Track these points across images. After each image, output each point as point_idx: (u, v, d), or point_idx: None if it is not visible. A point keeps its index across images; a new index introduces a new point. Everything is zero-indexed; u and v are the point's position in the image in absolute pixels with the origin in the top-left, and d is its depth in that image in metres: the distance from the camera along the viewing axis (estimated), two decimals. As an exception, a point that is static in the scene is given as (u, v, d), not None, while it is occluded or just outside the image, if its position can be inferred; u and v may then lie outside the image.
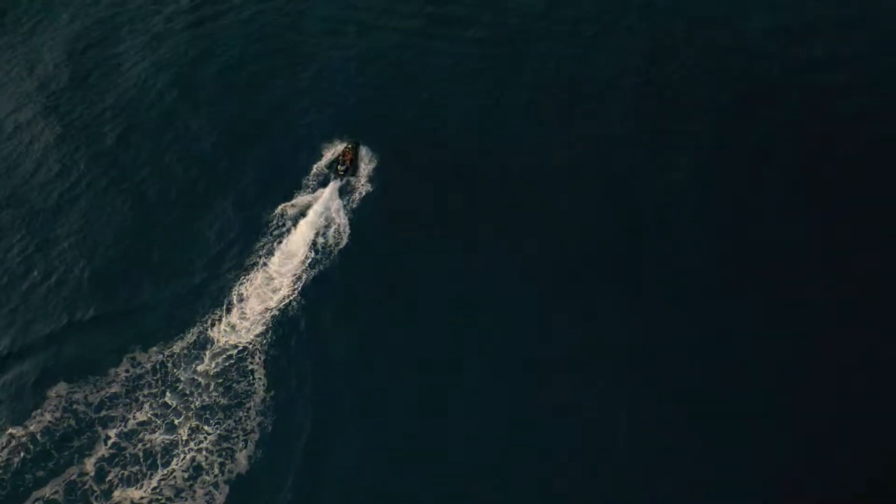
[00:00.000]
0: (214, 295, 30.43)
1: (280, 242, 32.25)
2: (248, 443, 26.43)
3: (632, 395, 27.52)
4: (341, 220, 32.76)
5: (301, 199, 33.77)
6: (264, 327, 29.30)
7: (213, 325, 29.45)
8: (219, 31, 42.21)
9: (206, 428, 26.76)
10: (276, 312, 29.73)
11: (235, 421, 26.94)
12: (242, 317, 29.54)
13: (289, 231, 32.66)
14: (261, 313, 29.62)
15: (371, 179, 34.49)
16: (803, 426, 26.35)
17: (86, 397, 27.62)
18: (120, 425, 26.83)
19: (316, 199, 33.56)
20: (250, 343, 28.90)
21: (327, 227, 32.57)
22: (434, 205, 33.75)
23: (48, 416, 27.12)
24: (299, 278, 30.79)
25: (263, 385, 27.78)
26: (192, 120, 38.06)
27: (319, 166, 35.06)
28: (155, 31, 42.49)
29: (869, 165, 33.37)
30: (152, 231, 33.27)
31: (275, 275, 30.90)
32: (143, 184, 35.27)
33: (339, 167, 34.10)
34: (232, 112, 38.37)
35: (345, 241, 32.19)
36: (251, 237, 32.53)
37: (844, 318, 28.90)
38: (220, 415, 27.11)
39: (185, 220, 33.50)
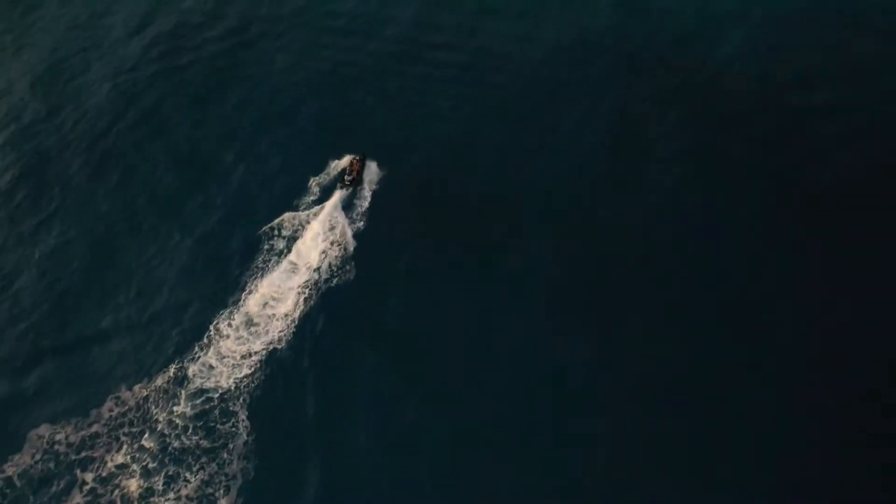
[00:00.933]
0: (197, 333, 29.13)
1: (274, 270, 31.07)
2: (231, 488, 24.97)
3: (630, 407, 26.69)
4: (338, 251, 31.50)
5: (300, 216, 33.10)
6: (250, 369, 27.92)
7: (194, 361, 28.22)
8: (192, 64, 41.69)
9: (186, 474, 25.35)
10: (263, 353, 28.38)
11: (218, 465, 25.50)
12: (220, 358, 28.19)
13: (281, 259, 31.48)
14: (243, 356, 28.22)
15: (368, 208, 33.56)
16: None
17: (67, 437, 26.54)
18: (98, 468, 25.61)
19: (315, 218, 32.81)
20: (234, 383, 27.57)
21: (324, 255, 31.35)
22: (423, 230, 32.78)
23: (27, 458, 26.08)
24: (292, 317, 29.44)
25: (246, 427, 26.35)
26: (170, 147, 37.32)
27: (307, 197, 34.04)
28: (129, 64, 42.08)
29: (849, 184, 32.40)
30: (126, 264, 32.23)
31: (264, 310, 29.63)
32: (119, 217, 34.36)
33: (346, 177, 34.47)
34: (210, 140, 37.46)
35: (341, 272, 30.91)
36: (241, 268, 31.43)
37: (841, 330, 28.17)
38: (203, 458, 25.69)
39: (165, 251, 32.46)
